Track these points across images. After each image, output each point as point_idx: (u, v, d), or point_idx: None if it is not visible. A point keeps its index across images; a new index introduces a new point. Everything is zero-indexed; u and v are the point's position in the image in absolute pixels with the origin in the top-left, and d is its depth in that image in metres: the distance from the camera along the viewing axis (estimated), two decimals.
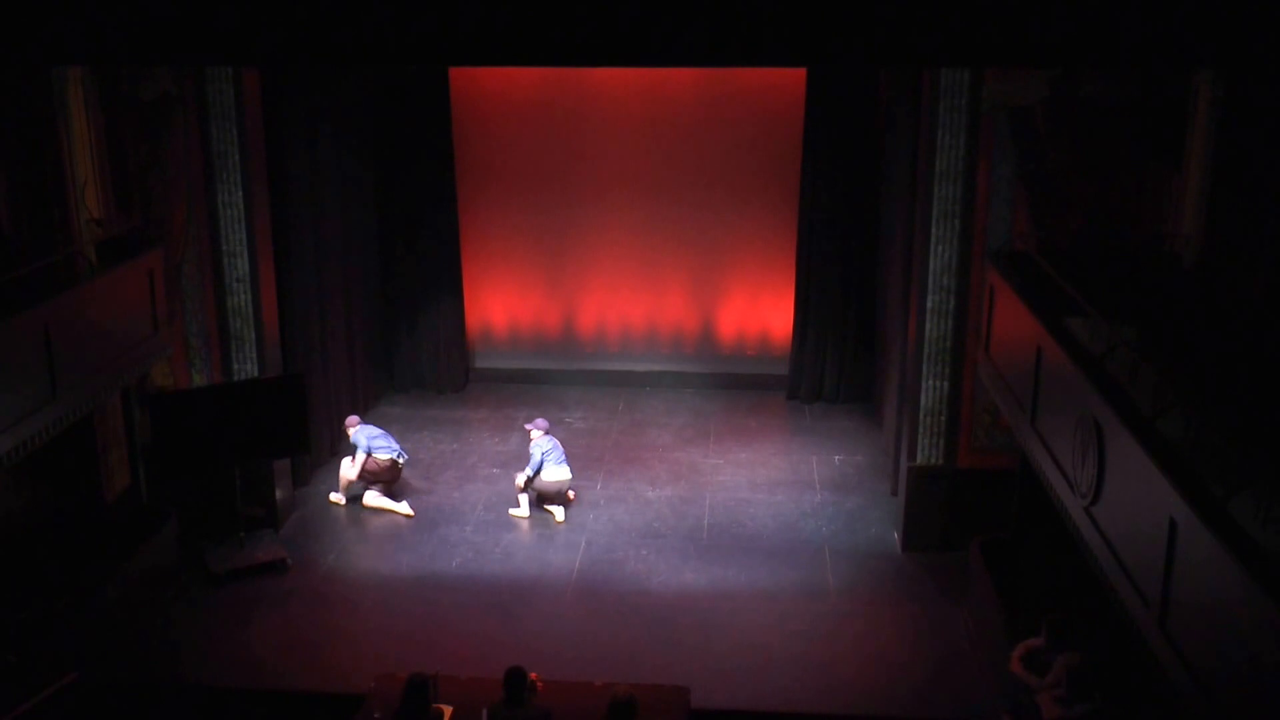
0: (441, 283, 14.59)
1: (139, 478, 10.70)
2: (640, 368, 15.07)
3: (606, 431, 13.74)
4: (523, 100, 14.38)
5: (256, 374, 10.96)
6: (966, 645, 9.51)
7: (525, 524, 11.49)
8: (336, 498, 11.94)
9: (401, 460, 11.78)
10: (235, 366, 11.00)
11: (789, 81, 13.67)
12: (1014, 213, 10.09)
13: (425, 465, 12.82)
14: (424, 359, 14.81)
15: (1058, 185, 10.00)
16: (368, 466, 11.64)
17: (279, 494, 11.38)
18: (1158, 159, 9.57)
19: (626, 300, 15.06)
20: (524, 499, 11.59)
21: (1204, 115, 8.76)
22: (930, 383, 10.60)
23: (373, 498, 11.81)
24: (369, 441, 11.62)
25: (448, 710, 7.52)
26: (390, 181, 14.20)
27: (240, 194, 10.57)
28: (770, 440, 13.53)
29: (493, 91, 14.34)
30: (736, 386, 14.89)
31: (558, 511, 11.57)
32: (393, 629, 9.77)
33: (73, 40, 7.75)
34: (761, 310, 15.02)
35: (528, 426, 11.77)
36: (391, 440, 11.79)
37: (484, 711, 7.28)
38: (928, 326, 10.49)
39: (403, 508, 11.73)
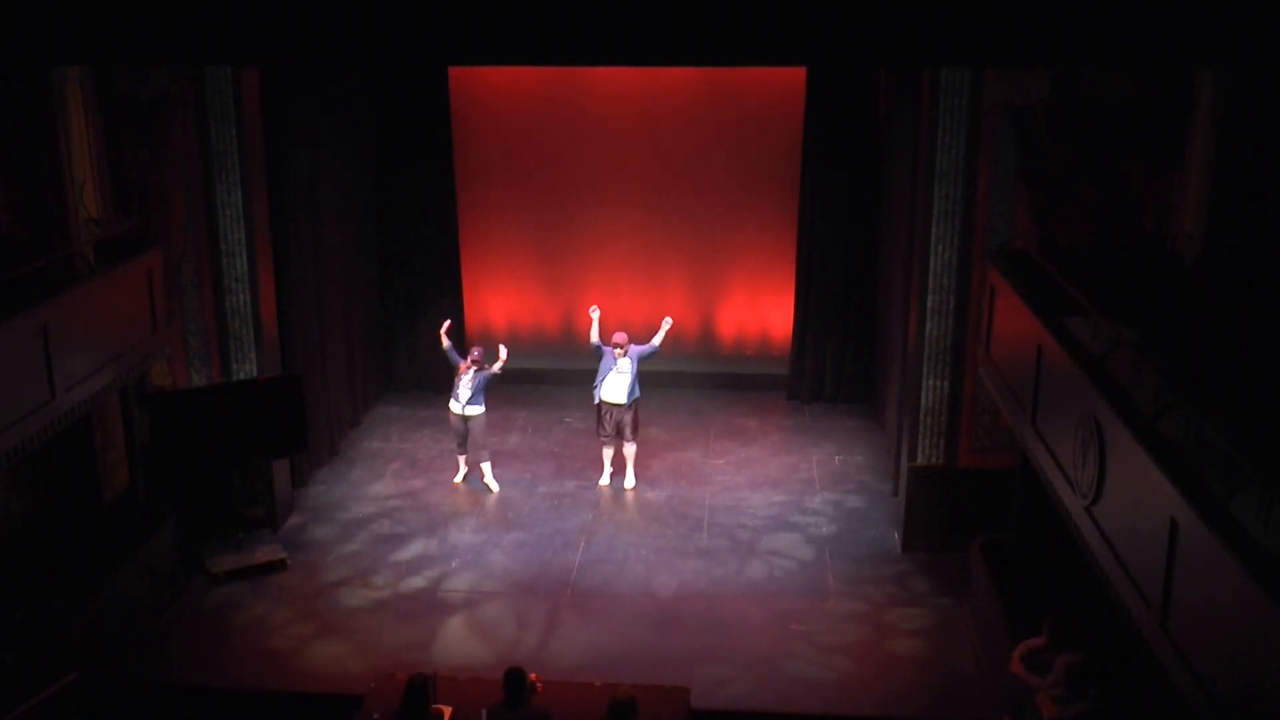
0: (441, 282, 14.56)
1: (138, 478, 10.68)
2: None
3: None
4: (523, 100, 14.37)
5: (255, 374, 10.94)
6: (967, 645, 9.50)
7: (524, 524, 11.50)
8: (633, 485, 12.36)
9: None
10: (234, 366, 10.99)
11: (789, 81, 13.66)
12: (1014, 213, 10.08)
13: (425, 465, 12.81)
14: (423, 359, 14.79)
15: (1058, 185, 9.98)
16: None
17: (278, 494, 11.37)
18: (1159, 158, 9.56)
19: (626, 300, 15.04)
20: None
21: (1204, 115, 8.76)
22: (930, 383, 10.59)
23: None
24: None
25: (447, 711, 7.51)
26: (390, 181, 14.18)
27: (239, 194, 10.55)
28: (770, 440, 13.52)
29: (493, 91, 14.33)
30: (736, 386, 14.87)
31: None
32: (393, 629, 9.77)
33: (73, 40, 7.75)
34: (761, 310, 15.01)
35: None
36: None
37: (484, 712, 7.27)
38: (928, 326, 10.49)
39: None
